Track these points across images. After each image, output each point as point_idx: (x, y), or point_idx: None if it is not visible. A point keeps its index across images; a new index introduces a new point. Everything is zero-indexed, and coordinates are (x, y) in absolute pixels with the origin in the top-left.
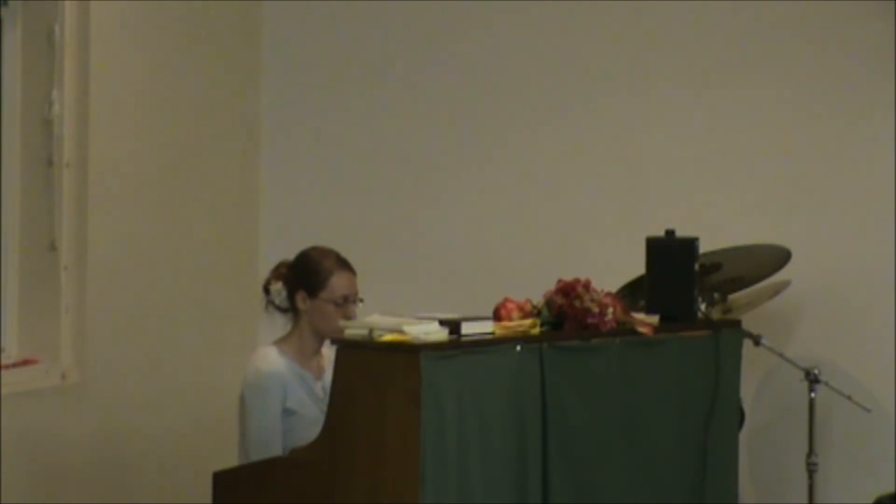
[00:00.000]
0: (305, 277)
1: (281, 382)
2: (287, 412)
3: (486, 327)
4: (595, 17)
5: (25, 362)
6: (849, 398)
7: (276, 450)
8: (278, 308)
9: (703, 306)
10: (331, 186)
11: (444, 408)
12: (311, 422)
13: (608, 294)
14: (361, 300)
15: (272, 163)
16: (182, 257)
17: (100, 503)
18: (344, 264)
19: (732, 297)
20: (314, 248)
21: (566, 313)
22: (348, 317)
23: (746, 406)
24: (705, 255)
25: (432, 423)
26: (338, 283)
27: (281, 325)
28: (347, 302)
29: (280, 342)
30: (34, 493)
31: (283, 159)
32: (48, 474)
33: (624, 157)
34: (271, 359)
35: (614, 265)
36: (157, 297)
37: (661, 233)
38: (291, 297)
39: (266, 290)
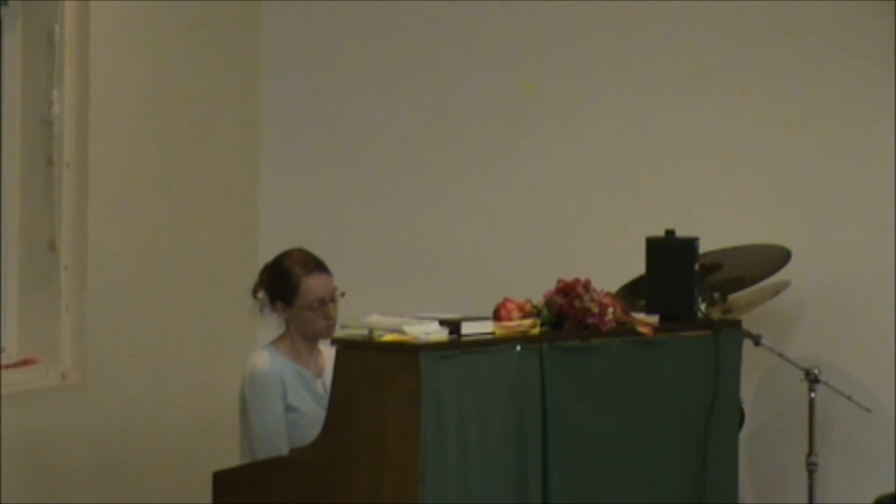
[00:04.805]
0: (278, 288)
1: (280, 380)
2: (288, 409)
3: (486, 327)
4: (595, 16)
5: (25, 362)
6: (849, 398)
7: (283, 447)
8: (272, 310)
9: (703, 306)
10: (330, 186)
11: (444, 408)
12: (311, 419)
13: (608, 294)
14: (343, 294)
15: (272, 163)
16: (182, 257)
17: (100, 503)
18: (314, 267)
19: (732, 297)
20: (285, 255)
21: (566, 313)
22: (329, 317)
23: (746, 406)
24: (705, 255)
25: (432, 423)
26: (310, 289)
27: (278, 324)
28: (324, 304)
29: (275, 342)
30: (34, 493)
31: (283, 159)
32: (48, 474)
33: (624, 157)
34: (268, 358)
35: (614, 265)
36: (157, 296)
37: (661, 233)
38: (273, 305)
39: (255, 295)
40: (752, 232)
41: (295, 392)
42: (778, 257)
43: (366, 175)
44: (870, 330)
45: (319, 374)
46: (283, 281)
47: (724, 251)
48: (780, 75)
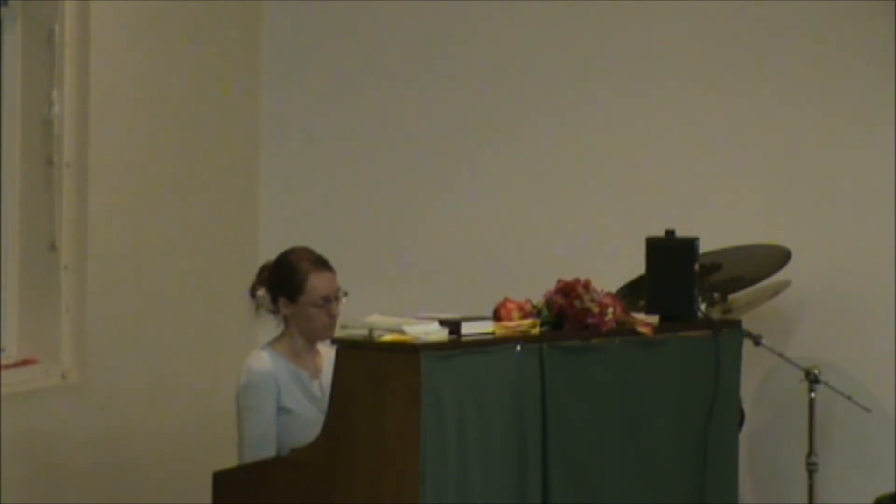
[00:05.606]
0: (283, 284)
1: (274, 382)
2: (282, 411)
3: (486, 327)
4: (595, 16)
5: (25, 362)
6: (849, 398)
7: (270, 450)
8: (269, 311)
9: (703, 306)
10: (330, 187)
11: (444, 407)
12: (307, 420)
13: (608, 294)
14: (346, 294)
15: (272, 163)
16: (182, 257)
17: (100, 503)
18: (320, 264)
19: (732, 297)
20: (291, 252)
21: (566, 313)
22: (332, 315)
23: (746, 406)
24: (705, 255)
25: (432, 423)
26: (315, 286)
27: (277, 324)
28: (329, 302)
29: (273, 343)
30: (34, 493)
31: (282, 160)
32: (48, 474)
33: (624, 157)
34: (263, 359)
35: (614, 265)
36: (157, 297)
37: (661, 233)
38: (275, 302)
39: (253, 294)
40: (752, 232)
41: (290, 393)
42: (778, 257)
43: (365, 175)
44: (870, 330)
45: (317, 375)
46: (288, 276)
47: (724, 251)
48: (780, 75)
